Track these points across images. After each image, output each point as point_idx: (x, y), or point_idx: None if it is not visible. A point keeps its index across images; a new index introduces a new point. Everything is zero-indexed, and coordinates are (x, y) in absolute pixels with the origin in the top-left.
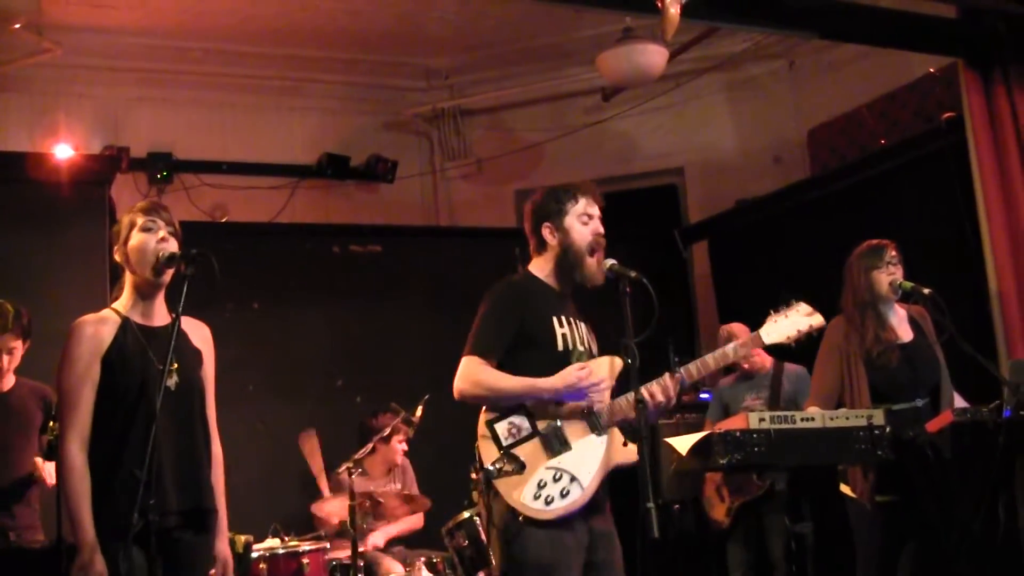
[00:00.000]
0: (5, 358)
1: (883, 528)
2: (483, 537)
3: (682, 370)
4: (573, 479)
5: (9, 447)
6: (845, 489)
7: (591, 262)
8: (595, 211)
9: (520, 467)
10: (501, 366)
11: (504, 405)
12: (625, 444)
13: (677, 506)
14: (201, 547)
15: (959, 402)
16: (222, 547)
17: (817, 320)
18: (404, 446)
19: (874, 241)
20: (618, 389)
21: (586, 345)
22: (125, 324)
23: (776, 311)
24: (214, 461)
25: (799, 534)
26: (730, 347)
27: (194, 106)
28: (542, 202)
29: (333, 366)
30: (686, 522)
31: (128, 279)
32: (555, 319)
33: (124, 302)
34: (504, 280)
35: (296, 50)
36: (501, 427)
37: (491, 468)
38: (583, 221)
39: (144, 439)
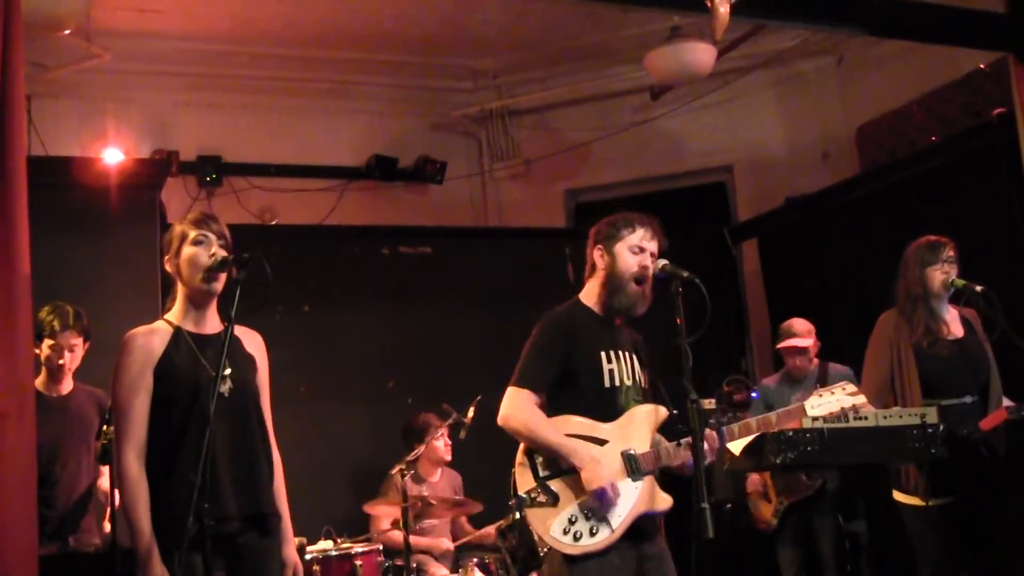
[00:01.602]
0: (67, 355)
1: (941, 531)
2: (535, 538)
3: (724, 429)
4: (603, 519)
5: (68, 451)
6: (898, 496)
7: (635, 290)
8: (650, 246)
9: (554, 500)
10: (548, 399)
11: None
12: (661, 491)
13: (729, 505)
14: (264, 551)
15: (1004, 403)
16: (290, 552)
17: (860, 400)
18: (447, 441)
19: (933, 237)
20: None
21: (634, 379)
22: (177, 334)
23: (824, 387)
24: (274, 467)
25: (853, 533)
26: (773, 415)
27: (242, 109)
28: (600, 227)
29: (384, 368)
30: (738, 522)
31: (180, 290)
32: (603, 354)
33: (176, 312)
34: (555, 311)
35: (342, 53)
36: (540, 458)
37: (524, 496)
38: (634, 251)
39: (199, 445)
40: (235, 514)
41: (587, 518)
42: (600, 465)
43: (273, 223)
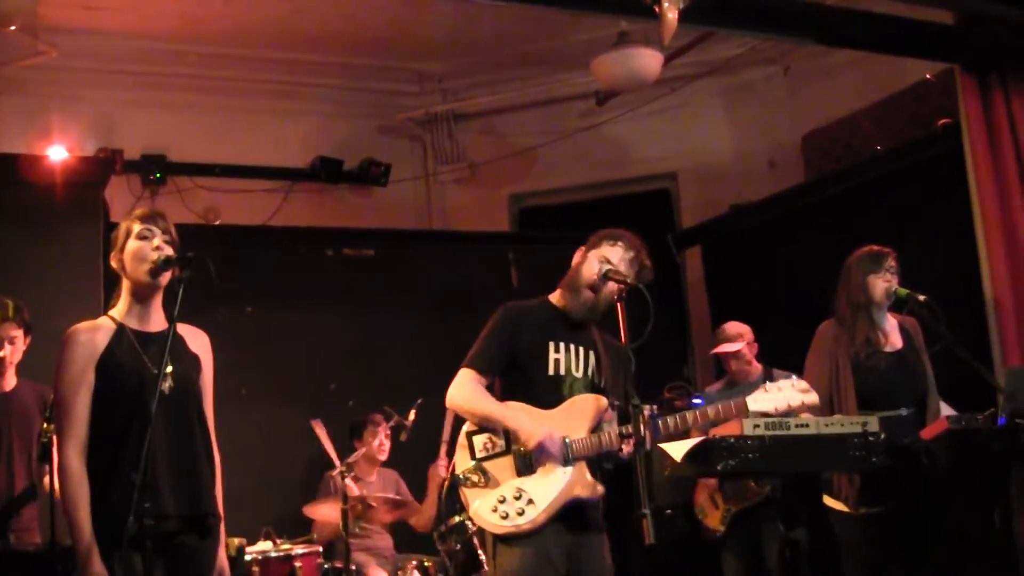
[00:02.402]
0: (7, 347)
1: (869, 539)
2: (475, 541)
3: (659, 421)
4: (531, 501)
5: (9, 449)
6: (828, 501)
7: (588, 295)
8: (621, 266)
9: (487, 481)
10: (495, 384)
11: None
12: (592, 477)
13: (670, 511)
14: (203, 552)
15: (947, 411)
16: (219, 554)
17: (811, 398)
18: (386, 442)
19: (876, 247)
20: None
21: (586, 373)
22: (120, 330)
23: (772, 382)
24: (215, 468)
25: (793, 541)
26: (710, 408)
27: (188, 109)
28: (597, 233)
29: (326, 370)
30: (678, 527)
31: (124, 286)
32: (551, 343)
33: (120, 309)
34: (514, 302)
35: (290, 54)
36: (479, 440)
37: (459, 476)
38: (602, 261)
39: (140, 443)
40: (174, 514)
41: (516, 499)
42: (537, 422)
43: (217, 223)
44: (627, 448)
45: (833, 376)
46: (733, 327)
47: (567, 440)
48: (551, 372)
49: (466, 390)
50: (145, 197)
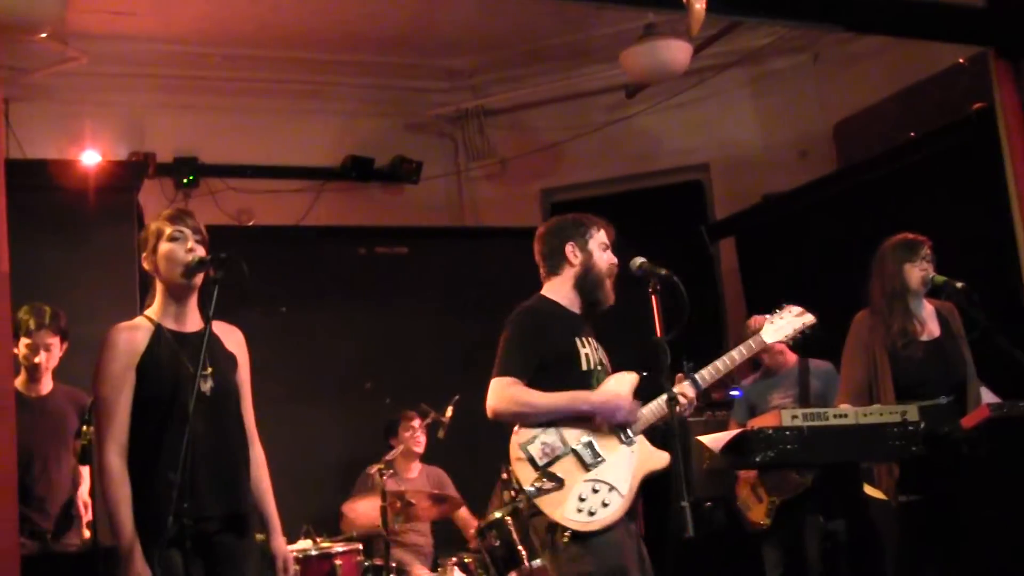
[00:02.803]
0: (43, 354)
1: (908, 528)
2: (515, 537)
3: (696, 376)
4: (612, 488)
5: (47, 452)
6: (869, 490)
7: (609, 285)
8: (608, 244)
9: (559, 483)
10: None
11: (536, 423)
12: (656, 449)
13: (708, 503)
14: (242, 550)
15: (989, 397)
16: (279, 545)
17: (809, 319)
18: (421, 435)
19: (911, 235)
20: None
21: (602, 364)
22: (158, 331)
23: (772, 314)
24: (255, 464)
25: (832, 532)
26: (735, 352)
27: (218, 111)
28: (562, 225)
29: (362, 368)
30: (717, 520)
31: (159, 287)
32: (577, 339)
33: (156, 309)
34: (525, 306)
35: (317, 54)
36: (535, 448)
37: (531, 488)
38: (602, 248)
39: (180, 444)
40: (214, 514)
41: (596, 492)
42: (605, 391)
43: (250, 224)
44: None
45: (871, 367)
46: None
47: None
48: (584, 367)
49: (512, 392)
50: (178, 200)
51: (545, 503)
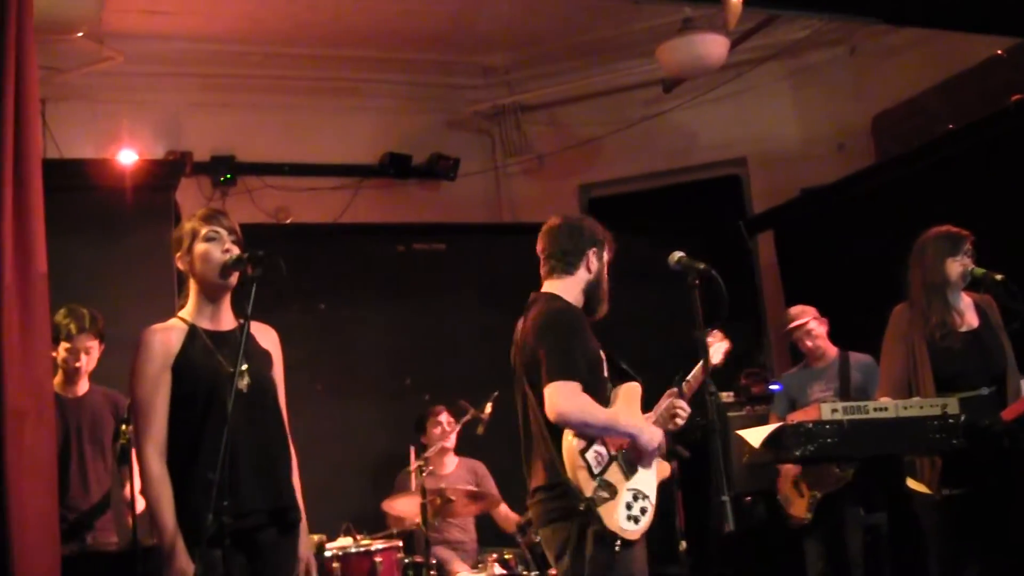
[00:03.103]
0: (83, 358)
1: (950, 522)
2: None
3: (683, 385)
4: (646, 497)
5: (84, 452)
6: (912, 483)
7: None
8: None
9: (613, 492)
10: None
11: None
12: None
13: (749, 498)
14: (285, 546)
15: None
16: (304, 549)
17: (723, 346)
18: (448, 428)
19: (954, 229)
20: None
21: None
22: (193, 331)
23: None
24: (292, 462)
25: (874, 525)
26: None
27: (254, 109)
28: (590, 228)
29: (400, 364)
30: (758, 515)
31: (193, 287)
32: (598, 344)
33: (190, 309)
34: (562, 307)
35: (353, 51)
36: (591, 456)
37: (593, 497)
38: (606, 265)
39: (218, 442)
40: (256, 509)
41: (636, 499)
42: (641, 420)
43: (288, 222)
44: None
45: (910, 359)
46: (795, 309)
47: None
48: (604, 374)
49: (580, 401)
50: (216, 198)
51: (604, 513)
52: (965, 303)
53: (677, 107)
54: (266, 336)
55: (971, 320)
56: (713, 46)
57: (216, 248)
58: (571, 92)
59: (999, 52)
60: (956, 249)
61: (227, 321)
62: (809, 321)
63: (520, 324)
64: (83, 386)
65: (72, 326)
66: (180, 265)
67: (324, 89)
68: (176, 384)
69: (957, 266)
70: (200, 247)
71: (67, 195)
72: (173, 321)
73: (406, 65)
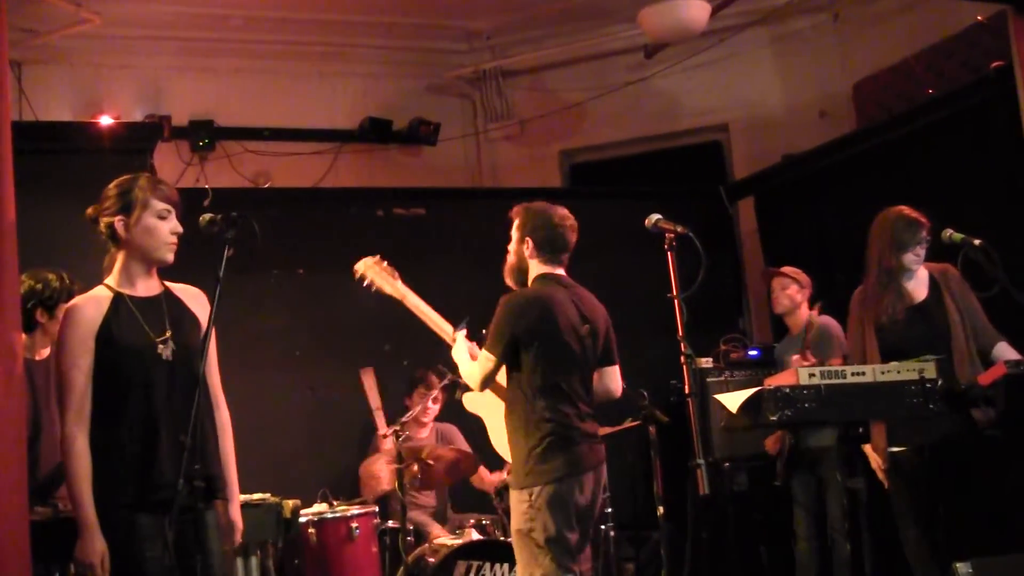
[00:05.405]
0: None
1: (902, 480)
2: None
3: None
4: None
5: (49, 415)
6: (866, 448)
7: None
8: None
9: None
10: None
11: None
12: None
13: (727, 464)
14: (208, 515)
15: (1010, 353)
16: (234, 512)
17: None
18: (433, 406)
19: (912, 215)
20: None
21: None
22: (117, 299)
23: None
24: (220, 428)
25: (852, 490)
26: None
27: (235, 73)
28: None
29: (380, 330)
30: (738, 481)
31: (122, 254)
32: None
33: (116, 277)
34: None
35: (335, 15)
36: None
37: None
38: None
39: (143, 411)
40: (177, 480)
41: None
42: None
43: (267, 187)
44: None
45: (860, 338)
46: (789, 270)
47: None
48: None
49: None
50: (194, 163)
51: None
52: (918, 278)
53: (660, 73)
54: (196, 301)
55: (919, 294)
56: (695, 11)
57: (165, 227)
58: (554, 57)
59: (980, 19)
60: (911, 239)
61: (152, 287)
62: (791, 285)
63: (573, 299)
64: (44, 351)
65: (50, 292)
66: (118, 227)
67: (305, 53)
68: (100, 353)
69: (911, 257)
70: (150, 221)
71: (43, 158)
72: (98, 289)
73: (387, 29)
